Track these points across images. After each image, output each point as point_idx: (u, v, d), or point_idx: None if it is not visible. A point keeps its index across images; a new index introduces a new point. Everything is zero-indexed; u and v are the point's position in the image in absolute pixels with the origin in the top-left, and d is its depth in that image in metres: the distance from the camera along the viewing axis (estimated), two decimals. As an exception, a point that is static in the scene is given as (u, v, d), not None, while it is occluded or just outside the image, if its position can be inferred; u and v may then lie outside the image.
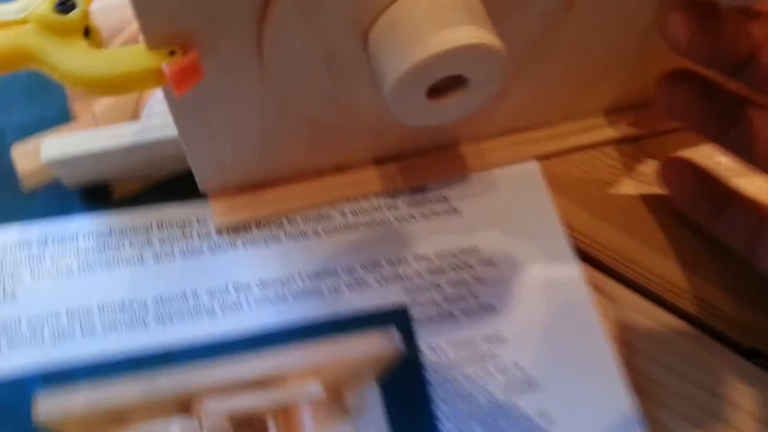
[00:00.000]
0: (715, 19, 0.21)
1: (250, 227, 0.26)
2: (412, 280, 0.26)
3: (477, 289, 0.26)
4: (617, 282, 0.27)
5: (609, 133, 0.29)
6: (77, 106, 0.28)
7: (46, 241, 0.25)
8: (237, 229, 0.26)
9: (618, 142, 0.29)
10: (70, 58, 0.18)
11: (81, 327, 0.24)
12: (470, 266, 0.26)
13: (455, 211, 0.27)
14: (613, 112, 0.29)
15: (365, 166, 0.27)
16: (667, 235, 0.28)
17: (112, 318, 0.24)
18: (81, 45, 0.19)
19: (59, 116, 0.27)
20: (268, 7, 0.18)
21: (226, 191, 0.26)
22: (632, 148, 0.29)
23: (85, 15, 0.19)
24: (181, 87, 0.18)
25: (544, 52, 0.24)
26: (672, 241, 0.27)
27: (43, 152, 0.24)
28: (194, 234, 0.26)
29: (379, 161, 0.28)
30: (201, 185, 0.25)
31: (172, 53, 0.18)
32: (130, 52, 0.18)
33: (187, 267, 0.25)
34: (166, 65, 0.17)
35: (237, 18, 0.18)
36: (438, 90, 0.19)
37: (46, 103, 0.28)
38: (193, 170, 0.24)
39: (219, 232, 0.26)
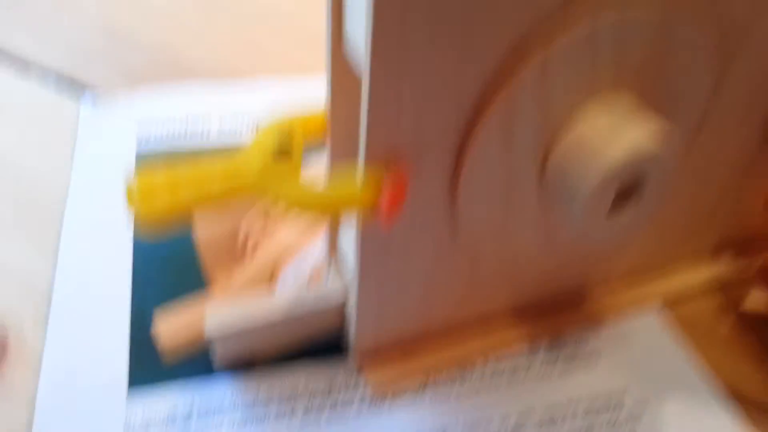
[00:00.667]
0: None
1: (400, 386, 0.25)
2: (566, 422, 0.24)
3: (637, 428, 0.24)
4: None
5: (725, 270, 0.30)
6: (214, 276, 0.28)
7: (190, 415, 0.24)
8: (388, 389, 0.25)
9: (733, 279, 0.30)
10: (295, 187, 0.20)
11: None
12: (622, 406, 0.25)
13: (593, 361, 0.27)
14: (724, 251, 0.30)
15: (505, 317, 0.28)
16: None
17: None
18: (299, 178, 0.20)
19: (196, 285, 0.28)
20: (472, 133, 0.19)
21: (377, 352, 0.26)
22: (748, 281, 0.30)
23: (300, 156, 0.21)
24: (392, 205, 0.19)
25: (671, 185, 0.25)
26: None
27: (207, 328, 0.24)
28: (339, 398, 0.25)
29: (518, 311, 0.28)
30: (356, 345, 0.25)
31: (386, 174, 0.19)
32: (345, 178, 0.20)
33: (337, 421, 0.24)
34: (386, 180, 0.19)
35: (443, 142, 0.20)
36: (615, 204, 0.20)
37: (182, 273, 0.28)
38: (355, 329, 0.25)
39: (373, 394, 0.25)
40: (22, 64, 0.40)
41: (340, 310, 0.25)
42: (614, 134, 0.19)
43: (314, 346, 0.26)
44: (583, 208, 0.20)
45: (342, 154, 0.23)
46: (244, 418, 0.24)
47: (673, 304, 0.29)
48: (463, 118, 0.19)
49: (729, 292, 0.29)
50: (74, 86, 0.39)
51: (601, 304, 0.28)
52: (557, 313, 0.28)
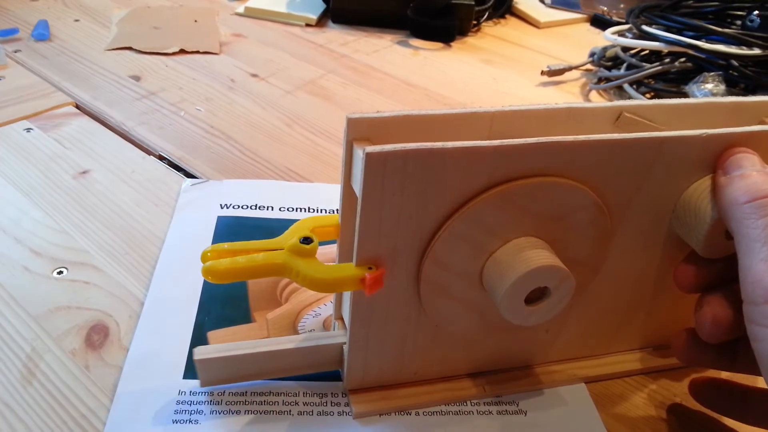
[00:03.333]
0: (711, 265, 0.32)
1: (377, 415, 0.35)
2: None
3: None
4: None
5: (639, 365, 0.39)
6: (256, 314, 0.40)
7: (224, 392, 0.35)
8: (368, 415, 0.35)
9: (647, 372, 0.39)
10: (309, 270, 0.30)
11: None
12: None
13: (524, 413, 0.36)
14: (644, 349, 0.40)
15: (462, 377, 0.37)
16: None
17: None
18: (315, 262, 0.30)
19: (243, 318, 0.39)
20: (428, 249, 0.30)
21: (362, 389, 0.35)
22: (659, 376, 0.39)
23: (317, 245, 0.31)
24: (372, 289, 0.29)
25: (585, 295, 0.35)
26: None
27: (195, 355, 0.33)
28: (328, 409, 0.35)
29: (473, 375, 0.37)
30: (347, 383, 0.35)
31: (369, 268, 0.29)
32: (343, 267, 0.30)
33: (321, 422, 0.34)
34: (368, 275, 0.29)
35: (409, 252, 0.30)
36: (531, 300, 0.30)
37: (234, 308, 0.40)
38: (346, 369, 0.34)
39: (355, 413, 0.34)
40: (147, 149, 0.54)
41: (340, 349, 0.35)
42: (518, 258, 0.30)
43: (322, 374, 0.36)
44: (501, 304, 0.30)
45: (348, 249, 0.32)
46: (263, 399, 0.34)
47: (595, 382, 0.38)
48: (422, 240, 0.30)
49: (646, 380, 0.38)
50: (179, 169, 0.52)
51: (538, 378, 0.38)
52: (504, 381, 0.37)
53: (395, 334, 0.33)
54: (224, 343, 0.34)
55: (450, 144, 0.27)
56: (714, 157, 0.31)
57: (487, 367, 0.37)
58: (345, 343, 0.34)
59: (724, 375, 0.37)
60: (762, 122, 0.35)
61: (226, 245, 0.31)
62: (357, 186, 0.28)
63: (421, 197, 0.28)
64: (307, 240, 0.31)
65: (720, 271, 0.32)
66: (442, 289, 0.32)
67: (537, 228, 0.31)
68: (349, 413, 0.35)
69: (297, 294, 0.41)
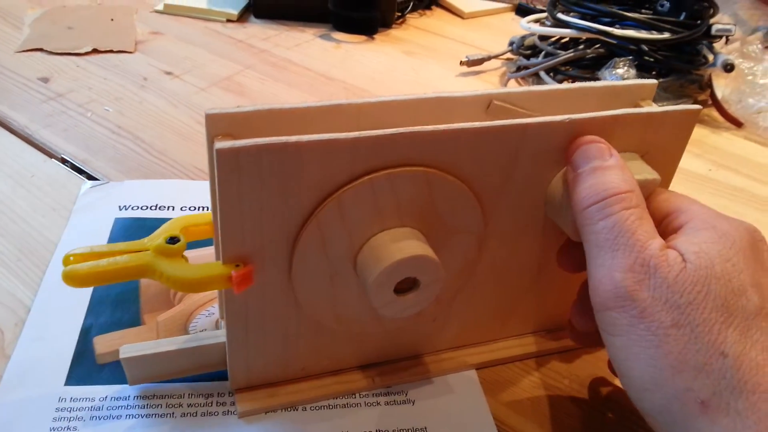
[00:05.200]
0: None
1: (263, 413, 0.35)
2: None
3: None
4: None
5: (530, 348, 0.40)
6: (146, 317, 0.39)
7: (106, 398, 0.34)
8: (253, 414, 0.35)
9: (537, 356, 0.39)
10: (174, 270, 0.29)
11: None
12: (417, 440, 0.34)
13: (411, 402, 0.36)
14: (536, 333, 0.40)
15: (352, 370, 0.37)
16: (570, 423, 0.36)
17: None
18: (180, 262, 0.30)
19: (132, 321, 0.39)
20: (296, 243, 0.30)
21: (249, 388, 0.35)
22: (550, 359, 0.39)
23: (184, 245, 0.31)
24: (240, 287, 0.29)
25: (469, 283, 0.35)
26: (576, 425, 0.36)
27: (121, 353, 0.33)
28: (213, 409, 0.35)
29: (363, 367, 0.37)
30: (232, 382, 0.35)
31: (237, 266, 0.29)
32: (210, 266, 0.29)
33: (204, 423, 0.34)
34: (234, 272, 0.29)
35: (277, 247, 0.30)
36: (401, 290, 0.30)
37: (125, 312, 0.39)
38: (229, 369, 0.34)
39: (240, 412, 0.34)
40: (49, 152, 0.53)
41: (223, 349, 0.34)
42: (385, 249, 0.30)
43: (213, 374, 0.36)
44: (370, 289, 0.30)
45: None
46: (144, 403, 0.34)
47: (486, 368, 0.38)
48: (290, 235, 0.29)
49: (536, 364, 0.39)
50: (81, 172, 0.51)
51: (428, 367, 0.38)
52: (394, 371, 0.37)
53: (276, 332, 0.33)
54: (151, 341, 0.34)
55: (306, 137, 0.27)
56: None
57: (377, 358, 0.37)
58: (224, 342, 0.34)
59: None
60: (637, 105, 0.35)
61: (89, 248, 0.30)
62: (215, 182, 0.28)
63: (281, 192, 0.28)
64: (173, 240, 0.30)
65: None
66: (315, 284, 0.31)
67: (407, 217, 0.31)
68: (235, 412, 0.34)
69: (190, 295, 0.41)
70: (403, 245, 0.30)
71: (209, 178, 0.29)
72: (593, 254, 0.27)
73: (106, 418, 0.33)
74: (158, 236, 0.31)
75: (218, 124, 0.28)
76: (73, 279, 0.29)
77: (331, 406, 0.35)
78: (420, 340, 0.38)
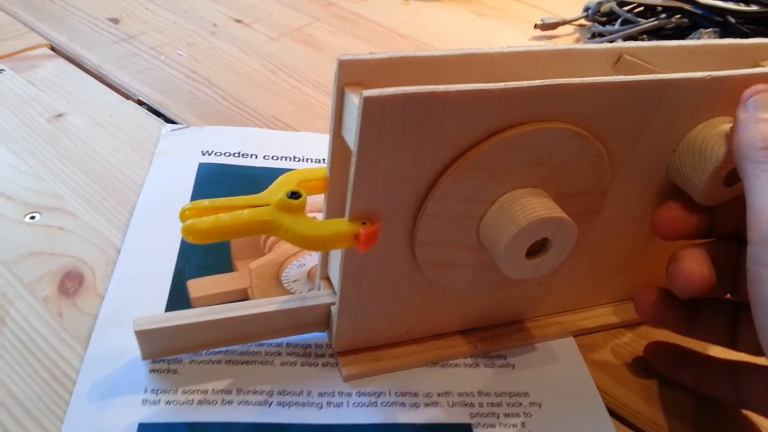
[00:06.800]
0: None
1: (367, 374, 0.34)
2: (475, 407, 0.33)
3: (527, 422, 0.32)
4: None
5: (626, 316, 0.38)
6: (238, 263, 0.38)
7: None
8: (358, 378, 0.33)
9: (632, 324, 0.38)
10: (300, 227, 0.27)
11: (221, 401, 0.31)
12: (520, 404, 0.33)
13: (512, 366, 0.35)
14: (626, 302, 0.39)
15: (453, 335, 0.36)
16: (663, 395, 0.35)
17: (246, 398, 0.31)
18: (304, 218, 0.28)
19: (224, 267, 0.38)
20: (426, 200, 0.28)
21: (352, 351, 0.34)
22: (642, 328, 0.38)
23: (305, 200, 0.29)
24: (366, 246, 0.27)
25: (578, 247, 0.34)
26: (665, 398, 0.35)
27: (134, 326, 0.31)
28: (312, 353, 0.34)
29: (464, 332, 0.36)
30: (336, 345, 0.33)
31: (364, 224, 0.27)
32: (336, 223, 0.27)
33: (305, 373, 0.33)
34: (363, 230, 0.27)
35: (405, 204, 0.28)
36: (531, 252, 0.29)
37: (217, 257, 0.38)
38: (336, 330, 0.32)
39: (345, 377, 0.33)
40: (126, 93, 0.52)
41: (326, 311, 0.33)
42: (512, 214, 0.28)
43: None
44: (501, 264, 0.29)
45: (336, 204, 0.30)
46: (243, 349, 0.33)
47: (583, 336, 0.37)
48: (419, 192, 0.28)
49: (630, 334, 0.38)
50: (159, 115, 0.50)
51: (530, 332, 0.37)
52: (495, 336, 0.36)
53: (387, 294, 0.32)
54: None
55: (453, 87, 0.25)
56: (716, 100, 0.30)
57: (479, 323, 0.36)
58: (333, 303, 0.33)
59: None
60: (756, 65, 0.34)
61: (206, 202, 0.28)
62: (350, 134, 0.26)
63: (419, 145, 0.26)
64: (295, 195, 0.28)
65: (698, 223, 0.31)
66: (438, 244, 0.30)
67: (537, 176, 0.29)
68: (334, 365, 0.33)
69: (281, 243, 0.40)
70: (526, 208, 0.28)
71: (332, 130, 0.28)
72: (762, 189, 0.27)
73: (204, 362, 0.33)
74: (277, 190, 0.29)
75: (350, 71, 0.27)
76: (195, 234, 0.27)
77: (431, 365, 0.34)
78: (522, 306, 0.37)
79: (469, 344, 0.36)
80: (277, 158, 0.47)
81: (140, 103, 0.51)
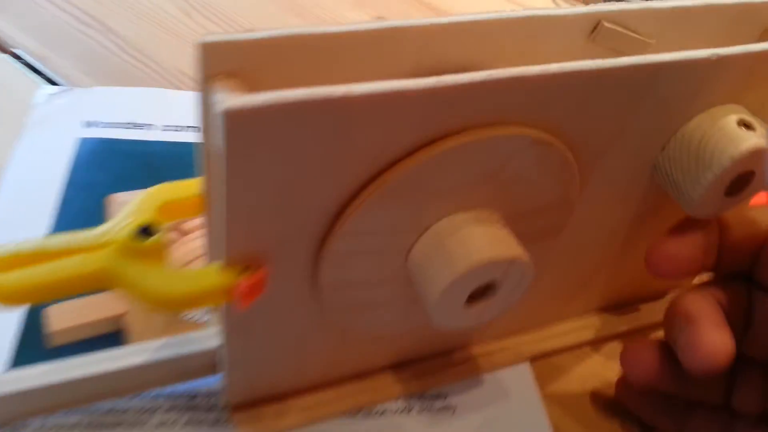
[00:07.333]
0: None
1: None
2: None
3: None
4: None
5: (595, 333, 0.32)
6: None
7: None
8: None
9: (602, 341, 0.32)
10: (148, 279, 0.20)
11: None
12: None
13: (452, 410, 0.28)
14: (597, 313, 0.33)
15: (382, 372, 0.29)
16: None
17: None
18: (159, 266, 0.21)
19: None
20: (329, 235, 0.21)
21: (251, 403, 0.27)
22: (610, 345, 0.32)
23: (164, 241, 0.21)
24: (249, 300, 0.20)
25: (540, 259, 0.27)
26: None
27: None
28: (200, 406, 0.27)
29: (395, 366, 0.29)
30: (229, 397, 0.26)
31: (246, 269, 0.20)
32: (203, 274, 0.20)
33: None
34: (242, 280, 0.19)
35: (301, 242, 0.21)
36: (471, 297, 0.22)
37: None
38: (226, 383, 0.25)
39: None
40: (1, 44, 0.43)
41: (212, 356, 0.26)
42: (459, 245, 0.21)
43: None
44: (433, 310, 0.21)
45: (215, 233, 0.22)
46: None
47: (540, 360, 0.31)
48: (320, 226, 0.20)
49: (598, 356, 0.32)
50: (39, 73, 0.41)
51: (476, 362, 0.30)
52: (432, 371, 0.29)
53: (289, 340, 0.25)
54: None
55: (358, 88, 0.17)
56: (720, 84, 0.23)
57: (413, 356, 0.29)
58: (217, 347, 0.25)
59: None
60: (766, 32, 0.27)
61: (12, 246, 0.20)
62: (220, 152, 0.18)
63: (316, 167, 0.19)
64: (146, 231, 0.21)
65: (705, 259, 0.25)
66: (352, 285, 0.23)
67: (481, 193, 0.22)
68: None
69: (177, 247, 0.32)
70: (481, 239, 0.21)
71: (200, 133, 0.20)
72: None
73: (56, 428, 0.25)
74: (123, 223, 0.21)
75: (219, 58, 0.18)
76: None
77: (352, 414, 0.28)
78: (465, 331, 0.30)
79: (401, 383, 0.29)
80: (181, 128, 0.38)
81: (15, 57, 0.42)
